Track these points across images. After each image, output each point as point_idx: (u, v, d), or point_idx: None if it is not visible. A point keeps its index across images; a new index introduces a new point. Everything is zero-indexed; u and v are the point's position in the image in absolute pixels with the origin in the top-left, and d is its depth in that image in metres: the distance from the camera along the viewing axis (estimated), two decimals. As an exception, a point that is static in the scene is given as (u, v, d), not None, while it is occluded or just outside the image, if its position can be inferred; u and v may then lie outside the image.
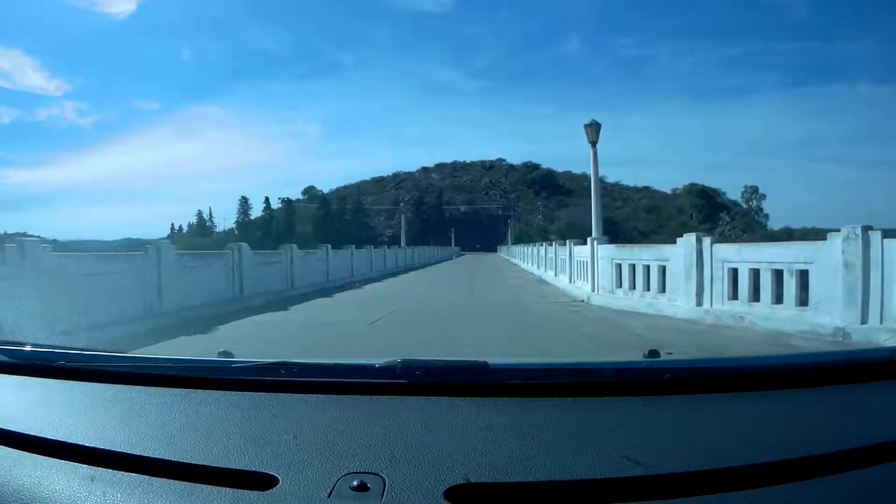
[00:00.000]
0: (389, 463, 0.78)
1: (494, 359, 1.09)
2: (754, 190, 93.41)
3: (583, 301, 11.60)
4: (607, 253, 11.61)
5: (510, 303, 11.68)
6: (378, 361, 1.07)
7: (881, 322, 6.22)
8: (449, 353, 4.98)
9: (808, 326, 6.84)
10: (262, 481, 0.76)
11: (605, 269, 11.50)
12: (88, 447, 0.86)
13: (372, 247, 24.02)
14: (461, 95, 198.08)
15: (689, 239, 9.34)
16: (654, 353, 1.33)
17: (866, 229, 6.45)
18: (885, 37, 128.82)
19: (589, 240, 12.36)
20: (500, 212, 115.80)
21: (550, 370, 1.18)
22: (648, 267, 10.24)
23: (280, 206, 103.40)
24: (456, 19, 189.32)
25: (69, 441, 0.88)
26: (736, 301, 8.37)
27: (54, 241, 15.22)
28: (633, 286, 10.64)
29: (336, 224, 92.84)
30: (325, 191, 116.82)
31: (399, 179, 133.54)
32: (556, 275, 17.89)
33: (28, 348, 1.28)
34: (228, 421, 0.95)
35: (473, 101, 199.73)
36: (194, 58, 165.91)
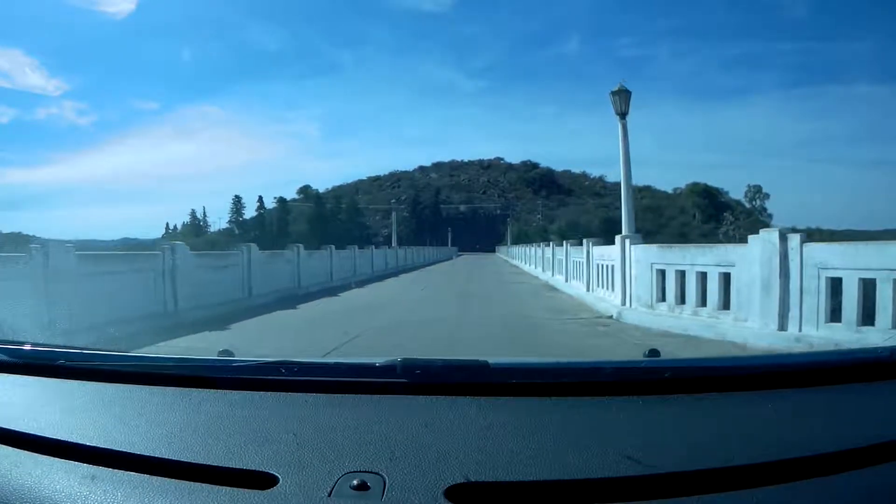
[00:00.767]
0: (390, 462, 0.79)
1: (495, 358, 1.07)
2: (758, 189, 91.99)
3: (611, 317, 8.97)
4: (645, 256, 8.87)
5: (518, 320, 8.94)
6: (378, 360, 1.07)
7: None
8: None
9: None
10: (263, 480, 0.76)
11: (643, 277, 8.78)
12: (89, 446, 0.86)
13: (356, 247, 21.20)
14: (460, 95, 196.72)
15: (767, 236, 6.78)
16: (654, 353, 1.32)
17: None
18: (885, 37, 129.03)
19: (618, 239, 9.62)
20: (498, 211, 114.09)
21: (551, 370, 1.16)
22: (705, 275, 7.62)
23: (274, 205, 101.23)
24: (455, 19, 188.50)
25: (69, 440, 0.88)
26: (838, 325, 5.91)
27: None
28: (680, 299, 8.02)
29: (330, 224, 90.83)
30: (322, 190, 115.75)
31: (396, 178, 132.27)
32: (566, 280, 15.26)
33: (28, 347, 1.27)
34: (229, 420, 0.95)
35: (472, 100, 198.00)
36: (193, 57, 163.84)
